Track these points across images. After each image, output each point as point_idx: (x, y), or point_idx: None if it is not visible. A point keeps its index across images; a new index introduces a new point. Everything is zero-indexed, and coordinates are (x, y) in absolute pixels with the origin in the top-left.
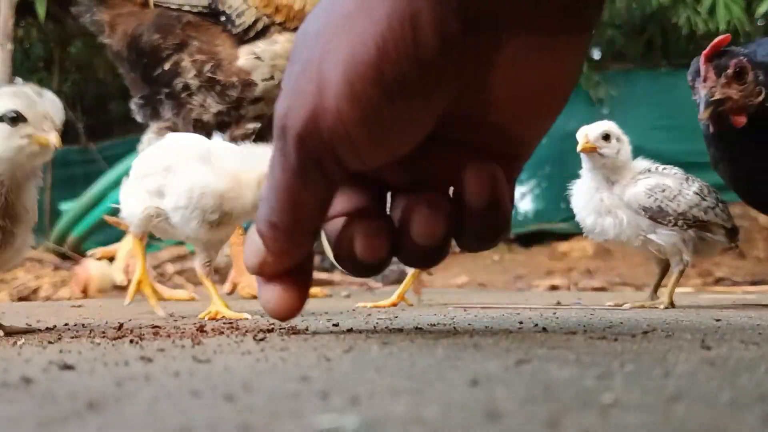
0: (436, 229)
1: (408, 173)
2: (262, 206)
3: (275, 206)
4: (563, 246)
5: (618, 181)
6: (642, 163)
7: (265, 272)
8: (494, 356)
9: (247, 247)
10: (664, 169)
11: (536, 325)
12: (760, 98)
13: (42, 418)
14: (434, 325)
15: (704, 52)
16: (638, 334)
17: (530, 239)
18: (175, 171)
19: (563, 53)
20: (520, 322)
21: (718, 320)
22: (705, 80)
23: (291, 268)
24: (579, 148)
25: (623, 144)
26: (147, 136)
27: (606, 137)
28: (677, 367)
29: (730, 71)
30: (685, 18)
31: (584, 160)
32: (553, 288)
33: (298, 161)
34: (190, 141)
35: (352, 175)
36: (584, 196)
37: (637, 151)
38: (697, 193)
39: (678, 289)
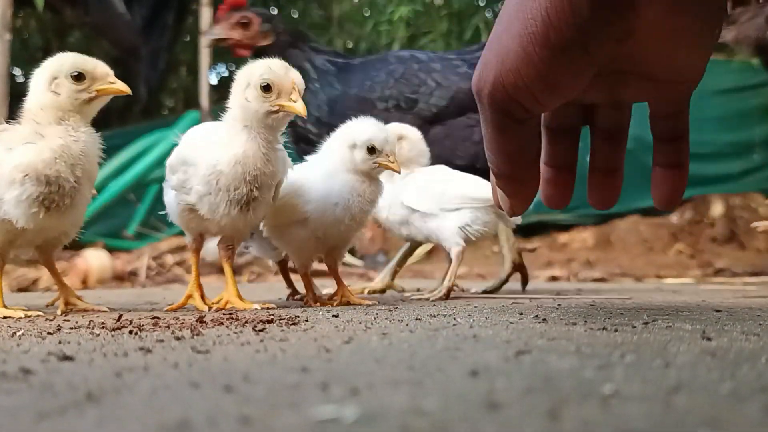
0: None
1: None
2: (489, 165)
3: (493, 158)
4: (563, 237)
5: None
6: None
7: (517, 212)
8: (494, 347)
9: (498, 200)
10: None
11: (536, 316)
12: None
13: (41, 409)
14: (434, 316)
15: (222, 6)
16: (638, 325)
17: (530, 230)
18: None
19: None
20: (520, 313)
21: (718, 311)
22: (216, 22)
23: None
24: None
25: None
26: None
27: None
28: (678, 358)
29: (233, 20)
30: None
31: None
32: (553, 279)
33: (493, 115)
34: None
35: (554, 132)
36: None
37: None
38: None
39: (678, 280)
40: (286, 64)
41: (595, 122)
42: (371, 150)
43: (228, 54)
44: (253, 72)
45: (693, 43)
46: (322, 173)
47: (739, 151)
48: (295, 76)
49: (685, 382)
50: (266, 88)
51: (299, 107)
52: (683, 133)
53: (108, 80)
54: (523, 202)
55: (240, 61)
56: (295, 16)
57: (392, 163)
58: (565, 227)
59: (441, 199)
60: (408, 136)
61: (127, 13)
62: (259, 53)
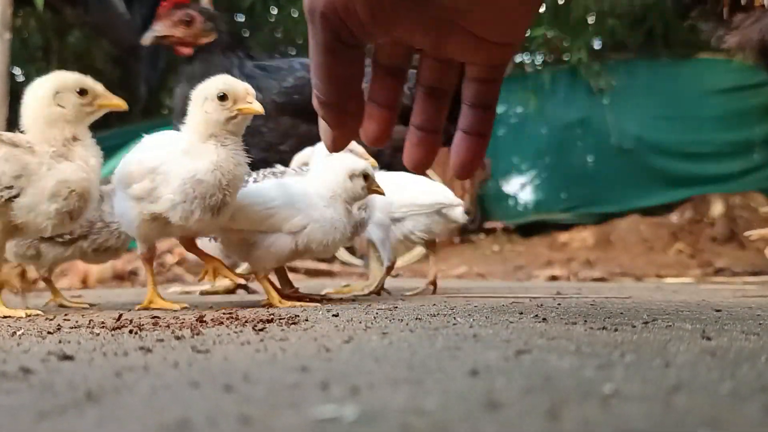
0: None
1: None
2: (314, 92)
3: (318, 84)
4: (563, 236)
5: None
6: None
7: (338, 146)
8: (494, 346)
9: (321, 134)
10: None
11: (536, 315)
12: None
13: (41, 408)
14: (434, 315)
15: (165, 2)
16: (638, 324)
17: (530, 229)
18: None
19: None
20: (521, 313)
21: (718, 310)
22: (158, 19)
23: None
24: None
25: None
26: None
27: None
28: (678, 357)
29: (175, 18)
30: None
31: None
32: (553, 278)
33: (324, 35)
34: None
35: (386, 70)
36: None
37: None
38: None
39: (678, 280)
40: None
41: (418, 75)
42: (366, 178)
43: None
44: (208, 87)
45: (518, 2)
46: (319, 195)
47: (739, 150)
48: (246, 84)
49: (685, 381)
50: (222, 98)
51: (257, 107)
52: (492, 103)
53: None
54: (346, 135)
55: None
56: (295, 15)
57: (378, 188)
58: (565, 227)
59: (389, 208)
60: (353, 149)
61: (127, 12)
62: (200, 52)
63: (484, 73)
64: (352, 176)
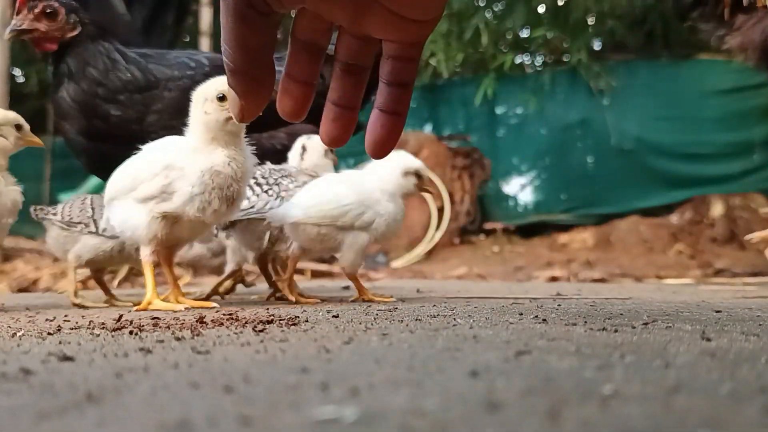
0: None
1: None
2: (224, 60)
3: (229, 51)
4: (563, 237)
5: None
6: None
7: (247, 116)
8: (494, 347)
9: (230, 105)
10: None
11: (536, 316)
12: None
13: (41, 409)
14: (434, 316)
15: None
16: (638, 325)
17: (530, 230)
18: None
19: None
20: (520, 314)
21: (718, 311)
22: (17, 13)
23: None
24: None
25: None
26: None
27: None
28: (677, 358)
29: (38, 10)
30: None
31: None
32: (553, 279)
33: (236, 2)
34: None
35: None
36: None
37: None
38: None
39: (678, 280)
40: None
41: (337, 51)
42: (419, 176)
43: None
44: (208, 88)
45: None
46: (381, 190)
47: (739, 151)
48: None
49: (685, 382)
50: (222, 98)
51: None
52: (409, 82)
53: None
54: (255, 104)
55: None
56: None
57: (429, 187)
58: (565, 227)
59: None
60: (310, 146)
61: (127, 13)
62: (64, 46)
63: (402, 51)
64: (406, 174)
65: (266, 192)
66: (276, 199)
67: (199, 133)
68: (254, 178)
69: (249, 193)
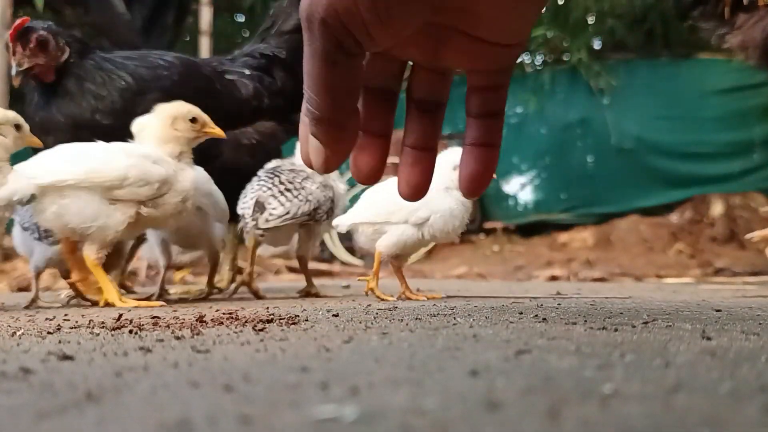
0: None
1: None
2: (305, 106)
3: (313, 97)
4: (563, 236)
5: None
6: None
7: (331, 166)
8: (494, 347)
9: (306, 152)
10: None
11: (536, 315)
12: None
13: (41, 408)
14: (434, 315)
15: (10, 33)
16: (638, 324)
17: (530, 230)
18: None
19: None
20: (520, 313)
21: (718, 310)
22: (14, 54)
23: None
24: None
25: None
26: None
27: None
28: (677, 357)
29: (32, 44)
30: None
31: None
32: (553, 278)
33: (323, 43)
34: None
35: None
36: None
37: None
38: None
39: (678, 280)
40: None
41: (411, 90)
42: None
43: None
44: (178, 109)
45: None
46: (435, 187)
47: (739, 151)
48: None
49: (685, 381)
50: (194, 120)
51: (220, 131)
52: (500, 110)
53: None
54: (340, 153)
55: None
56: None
57: None
58: (565, 227)
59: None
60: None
61: (127, 13)
62: (64, 69)
63: (490, 80)
64: (455, 168)
65: (297, 198)
66: (306, 203)
67: (160, 145)
68: (282, 183)
69: (283, 199)
